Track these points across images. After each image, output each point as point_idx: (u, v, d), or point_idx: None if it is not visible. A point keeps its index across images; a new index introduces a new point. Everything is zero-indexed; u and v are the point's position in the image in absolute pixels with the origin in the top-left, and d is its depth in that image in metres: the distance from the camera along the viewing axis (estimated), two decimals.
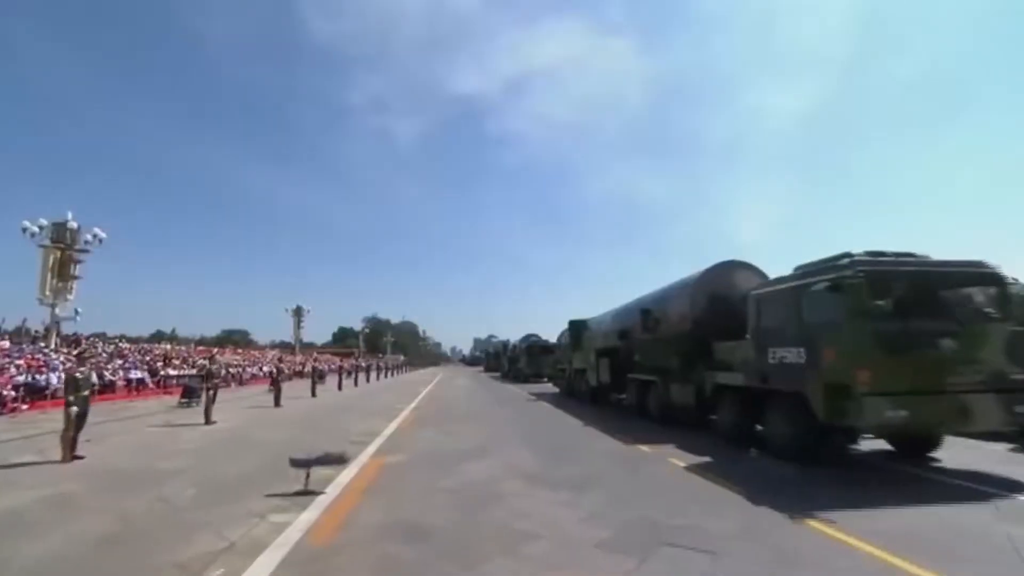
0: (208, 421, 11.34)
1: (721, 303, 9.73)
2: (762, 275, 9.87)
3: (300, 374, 37.89)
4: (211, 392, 11.63)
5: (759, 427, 7.92)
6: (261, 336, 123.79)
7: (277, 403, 16.00)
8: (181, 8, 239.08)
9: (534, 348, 33.67)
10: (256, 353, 48.73)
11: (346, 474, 6.42)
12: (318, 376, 32.46)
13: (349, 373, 34.39)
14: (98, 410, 14.19)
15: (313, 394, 20.43)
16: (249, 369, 33.08)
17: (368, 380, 33.90)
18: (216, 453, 7.97)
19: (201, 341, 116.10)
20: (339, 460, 5.81)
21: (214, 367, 12.11)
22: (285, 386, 25.88)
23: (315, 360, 42.87)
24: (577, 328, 18.94)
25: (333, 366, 49.55)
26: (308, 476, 5.68)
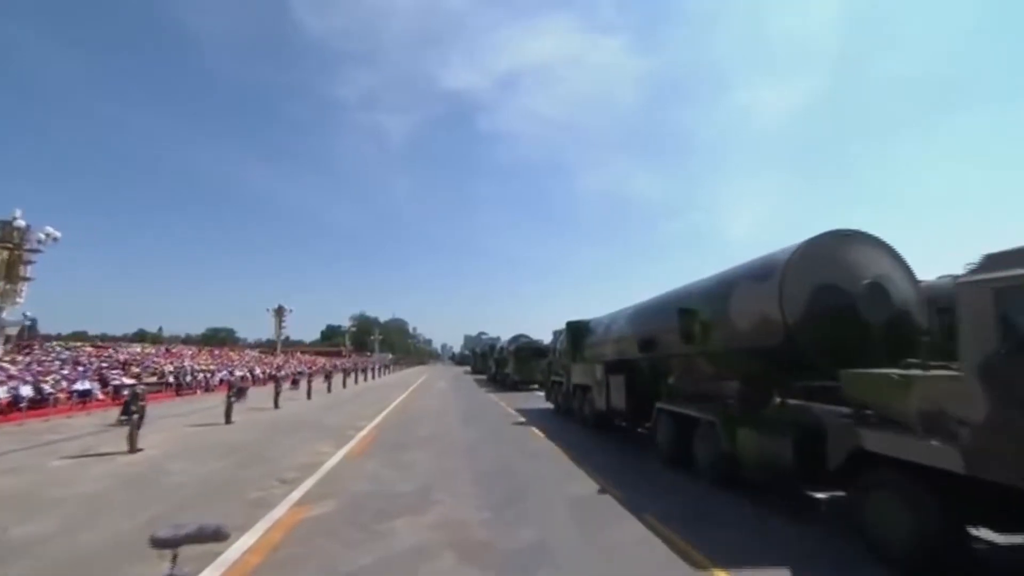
0: (132, 449, 10.05)
1: (835, 299, 5.95)
2: (896, 255, 6.33)
3: (274, 378, 36.49)
4: (137, 416, 10.31)
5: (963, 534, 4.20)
6: (250, 334, 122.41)
7: (228, 419, 14.70)
8: (171, 3, 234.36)
9: (524, 351, 30.14)
10: (232, 355, 47.06)
11: (243, 542, 5.19)
12: (291, 382, 31.23)
13: (327, 376, 33.14)
14: (21, 432, 12.85)
15: (276, 405, 19.13)
16: (219, 374, 31.50)
17: (345, 384, 32.55)
18: (106, 504, 6.69)
19: (186, 340, 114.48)
20: (215, 536, 4.50)
21: (140, 389, 10.73)
22: (255, 392, 24.75)
23: (279, 367, 41.01)
24: (578, 332, 15.10)
25: (312, 367, 48.12)
26: (175, 559, 4.44)
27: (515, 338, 33.78)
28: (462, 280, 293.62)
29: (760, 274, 6.87)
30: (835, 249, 6.29)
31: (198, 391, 26.69)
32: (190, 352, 41.76)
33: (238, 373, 33.67)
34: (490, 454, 10.05)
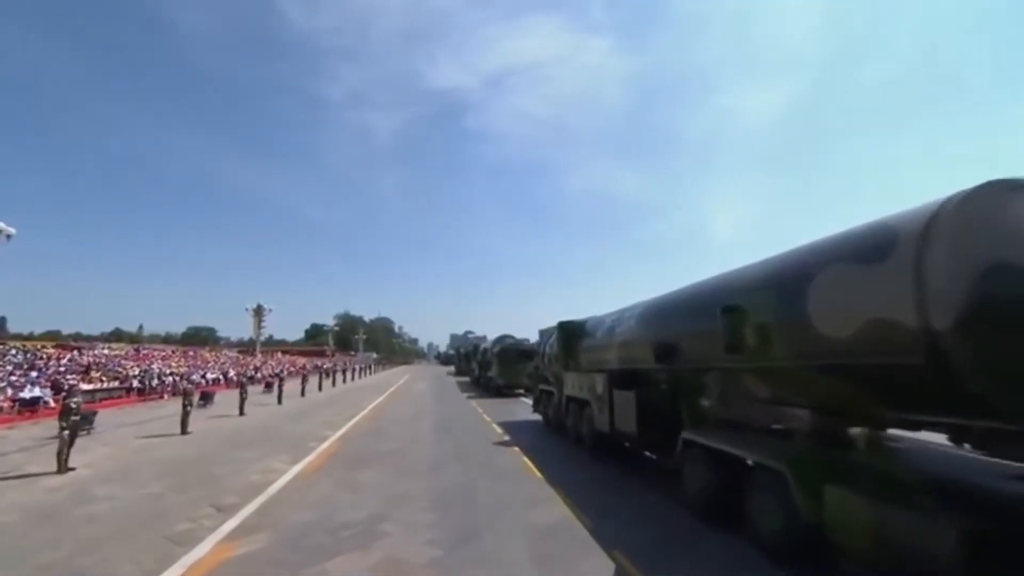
0: (61, 469, 9.13)
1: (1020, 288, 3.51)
2: None
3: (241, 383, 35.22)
4: (67, 432, 9.36)
5: None
6: (233, 333, 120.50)
7: (184, 429, 13.77)
8: None
9: (508, 353, 27.42)
10: (207, 356, 45.65)
11: None
12: (264, 386, 30.18)
13: (303, 379, 32.12)
14: None
15: (241, 411, 18.20)
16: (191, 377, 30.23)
17: (320, 387, 31.52)
18: None
19: (167, 339, 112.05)
20: None
21: (74, 401, 9.73)
22: (225, 396, 23.58)
23: (256, 369, 39.42)
24: (572, 334, 12.62)
25: (290, 368, 46.93)
26: None
27: (500, 339, 31.53)
28: (449, 279, 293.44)
29: (869, 251, 4.29)
30: (1010, 208, 3.68)
31: (165, 396, 25.53)
32: (161, 353, 40.39)
33: (210, 376, 32.51)
34: (457, 475, 9.23)
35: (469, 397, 27.02)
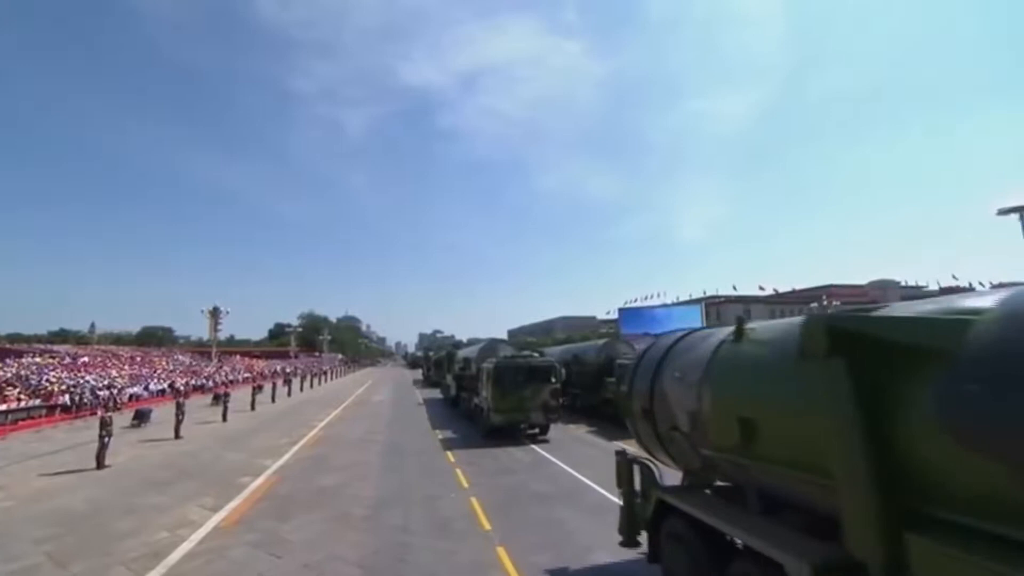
0: None
1: None
2: None
3: (176, 399, 32.98)
4: None
5: None
6: (193, 332, 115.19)
7: (100, 463, 12.24)
8: None
9: (511, 372, 16.10)
10: (157, 362, 42.69)
11: None
12: (213, 398, 28.21)
13: (259, 388, 30.24)
14: None
15: (177, 434, 16.63)
16: (130, 390, 28.00)
17: (274, 398, 29.62)
18: None
19: (118, 339, 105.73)
20: None
21: None
22: (162, 413, 21.06)
23: (207, 377, 35.86)
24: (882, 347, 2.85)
25: (249, 373, 44.57)
26: None
27: (488, 345, 22.24)
28: (418, 278, 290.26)
29: None
30: None
31: (98, 412, 23.38)
32: (103, 361, 37.49)
33: (154, 387, 30.28)
34: (398, 527, 8.20)
35: (445, 443, 15.26)
